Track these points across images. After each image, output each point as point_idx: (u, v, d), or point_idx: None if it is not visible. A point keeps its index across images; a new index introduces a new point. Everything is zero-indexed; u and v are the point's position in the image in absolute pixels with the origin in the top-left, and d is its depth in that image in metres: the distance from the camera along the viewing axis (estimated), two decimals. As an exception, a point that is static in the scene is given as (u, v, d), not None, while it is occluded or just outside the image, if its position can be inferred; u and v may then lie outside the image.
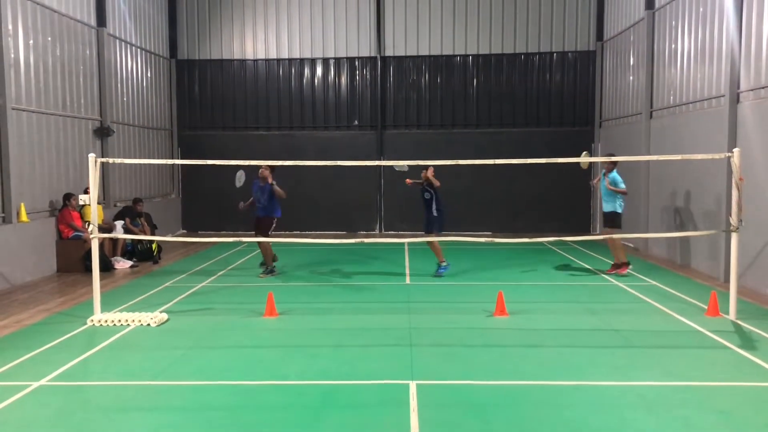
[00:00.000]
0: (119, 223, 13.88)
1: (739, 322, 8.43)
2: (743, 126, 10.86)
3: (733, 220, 8.57)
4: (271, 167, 11.78)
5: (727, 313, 8.69)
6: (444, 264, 12.01)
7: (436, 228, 12.09)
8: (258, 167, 11.77)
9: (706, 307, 9.00)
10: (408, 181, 12.34)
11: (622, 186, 11.70)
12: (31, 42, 12.57)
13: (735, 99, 11.10)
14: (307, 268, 13.01)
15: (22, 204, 11.92)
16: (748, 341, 7.58)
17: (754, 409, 5.57)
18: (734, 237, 8.62)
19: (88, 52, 14.82)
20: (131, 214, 14.42)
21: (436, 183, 11.83)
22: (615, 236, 11.25)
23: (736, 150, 8.61)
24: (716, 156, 9.30)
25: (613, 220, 11.82)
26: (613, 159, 10.82)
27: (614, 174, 11.72)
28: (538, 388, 6.12)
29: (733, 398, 5.85)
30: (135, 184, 16.98)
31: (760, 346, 7.35)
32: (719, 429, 5.20)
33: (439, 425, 5.27)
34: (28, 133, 12.42)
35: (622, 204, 11.85)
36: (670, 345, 7.50)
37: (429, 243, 11.91)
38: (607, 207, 11.90)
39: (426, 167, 11.80)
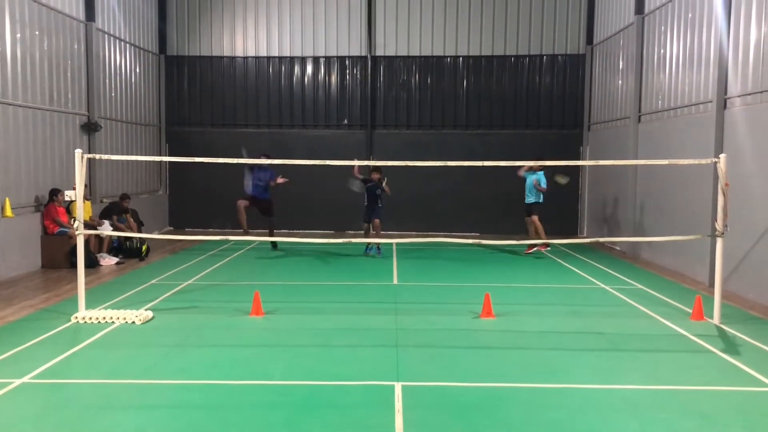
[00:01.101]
0: (107, 223, 13.78)
1: (723, 326, 8.50)
2: (730, 132, 10.94)
3: (719, 225, 8.63)
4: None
5: (712, 317, 8.75)
6: (379, 250, 14.53)
7: (378, 216, 14.52)
8: (243, 165, 13.70)
9: (690, 311, 9.06)
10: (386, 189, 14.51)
11: (544, 186, 14.40)
12: (18, 35, 12.44)
13: (722, 105, 11.19)
14: (294, 267, 12.98)
15: (7, 199, 11.79)
16: (731, 346, 7.64)
17: (736, 414, 5.61)
18: (719, 242, 8.68)
19: (76, 46, 14.70)
20: (117, 210, 14.33)
21: (387, 190, 14.44)
22: (537, 222, 14.33)
23: (722, 155, 8.68)
24: (703, 161, 9.37)
25: (534, 209, 14.58)
26: (539, 164, 12.04)
27: (540, 175, 14.42)
28: (524, 391, 6.14)
29: (716, 402, 5.89)
30: (122, 181, 16.86)
31: (743, 351, 7.42)
32: (702, 433, 5.24)
33: (423, 426, 5.27)
34: (14, 127, 12.29)
35: (541, 200, 14.67)
36: (654, 348, 7.54)
37: (375, 227, 14.40)
38: (530, 199, 14.65)
39: (382, 177, 14.44)
